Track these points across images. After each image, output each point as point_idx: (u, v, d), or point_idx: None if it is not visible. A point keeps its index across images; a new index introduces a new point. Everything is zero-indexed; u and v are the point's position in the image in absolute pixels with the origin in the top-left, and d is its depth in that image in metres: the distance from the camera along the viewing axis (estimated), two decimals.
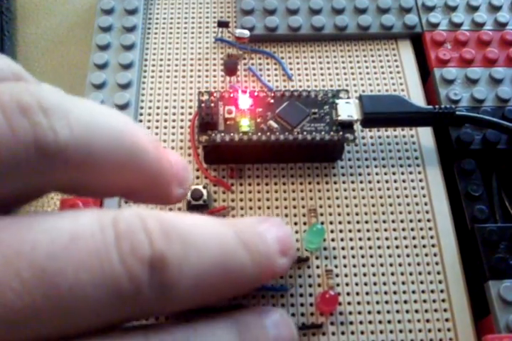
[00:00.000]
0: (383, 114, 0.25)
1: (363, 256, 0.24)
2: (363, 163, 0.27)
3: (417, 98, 0.29)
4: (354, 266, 0.24)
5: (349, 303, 0.23)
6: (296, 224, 0.25)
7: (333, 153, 0.26)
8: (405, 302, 0.23)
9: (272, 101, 0.26)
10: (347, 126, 0.25)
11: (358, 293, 0.23)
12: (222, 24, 0.30)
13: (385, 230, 0.25)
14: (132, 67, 0.28)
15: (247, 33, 0.28)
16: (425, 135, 0.27)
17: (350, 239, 0.24)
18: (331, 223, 0.25)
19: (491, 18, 0.31)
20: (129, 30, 0.29)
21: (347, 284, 0.23)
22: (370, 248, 0.24)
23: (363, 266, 0.24)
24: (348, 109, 0.25)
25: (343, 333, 0.22)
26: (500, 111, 0.27)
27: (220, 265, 0.15)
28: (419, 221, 0.25)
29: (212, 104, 0.25)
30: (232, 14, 0.32)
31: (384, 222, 0.25)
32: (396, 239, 0.25)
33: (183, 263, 0.14)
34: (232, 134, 0.25)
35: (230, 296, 0.19)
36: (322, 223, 0.25)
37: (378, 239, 0.25)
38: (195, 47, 0.30)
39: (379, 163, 0.27)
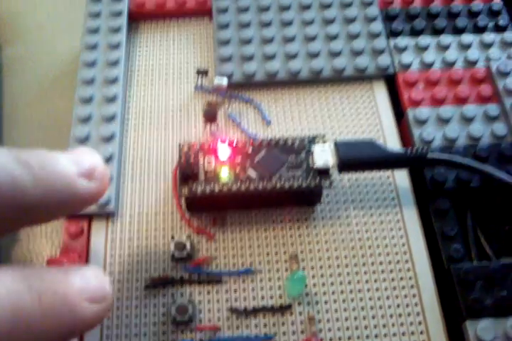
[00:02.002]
0: (358, 159, 0.26)
1: (344, 301, 0.25)
2: (342, 205, 0.28)
3: (392, 139, 0.30)
4: (336, 310, 0.25)
5: None
6: (278, 271, 0.26)
7: (311, 198, 0.27)
8: None
9: (251, 150, 0.27)
10: (323, 172, 0.26)
11: (340, 338, 0.24)
12: (201, 72, 0.31)
13: (365, 273, 0.26)
14: (115, 120, 0.29)
15: (225, 81, 0.29)
16: (401, 175, 0.28)
17: (332, 284, 0.25)
18: (312, 268, 0.26)
19: (461, 56, 0.32)
20: (111, 82, 0.30)
21: (329, 329, 0.24)
22: (351, 292, 0.25)
23: (345, 310, 0.25)
24: (324, 156, 0.26)
25: None
26: (472, 150, 0.28)
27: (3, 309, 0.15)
28: (398, 262, 0.26)
29: (193, 156, 0.26)
30: (212, 62, 0.33)
31: (363, 264, 0.26)
32: (376, 281, 0.25)
33: None
34: (212, 185, 0.25)
35: None
36: (304, 268, 0.26)
37: (358, 282, 0.25)
38: (176, 96, 0.31)
39: (357, 205, 0.28)
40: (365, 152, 0.26)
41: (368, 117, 0.30)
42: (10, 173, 0.16)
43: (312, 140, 0.27)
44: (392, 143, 0.29)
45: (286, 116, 0.30)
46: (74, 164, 0.18)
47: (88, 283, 0.17)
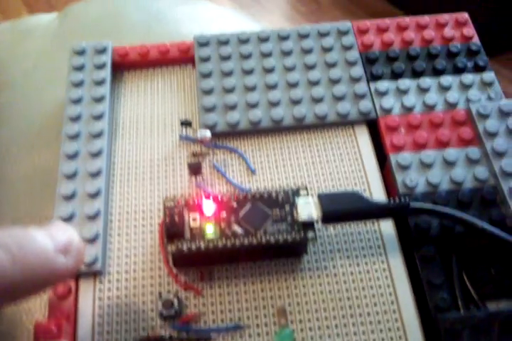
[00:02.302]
0: (341, 211, 0.26)
1: None
2: (328, 255, 0.28)
3: (376, 184, 0.30)
4: None
5: None
6: (266, 325, 0.26)
7: (297, 250, 0.27)
8: None
9: (235, 204, 0.27)
10: (308, 225, 0.26)
11: None
12: (186, 123, 0.31)
13: (353, 325, 0.26)
14: (100, 175, 0.29)
15: (208, 134, 0.30)
16: (386, 223, 0.29)
17: (320, 337, 0.25)
18: (300, 321, 0.26)
19: (441, 98, 0.32)
20: (95, 137, 0.31)
21: None
22: None
23: None
24: (308, 209, 0.26)
25: None
26: (454, 195, 0.29)
27: None
28: (385, 312, 0.26)
29: (178, 213, 0.26)
30: (196, 109, 0.33)
31: (351, 316, 0.26)
32: (364, 333, 0.25)
33: None
34: (198, 242, 0.26)
35: (21, 294, 0.19)
36: (292, 322, 0.26)
37: (347, 334, 0.25)
38: (161, 147, 0.31)
39: (343, 254, 0.28)
40: (348, 204, 0.26)
41: (351, 163, 0.31)
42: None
43: (296, 192, 0.27)
44: (376, 188, 0.30)
45: (270, 164, 0.31)
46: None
47: (56, 237, 0.19)
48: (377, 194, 0.30)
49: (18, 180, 0.33)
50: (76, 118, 0.31)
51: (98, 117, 0.31)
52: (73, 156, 0.30)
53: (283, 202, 0.27)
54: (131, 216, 0.29)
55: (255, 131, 0.32)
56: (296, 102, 0.32)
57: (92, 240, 0.27)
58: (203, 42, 0.35)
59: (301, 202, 0.27)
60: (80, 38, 0.42)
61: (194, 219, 0.26)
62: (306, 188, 0.27)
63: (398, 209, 0.26)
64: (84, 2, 0.47)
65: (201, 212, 0.27)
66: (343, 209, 0.26)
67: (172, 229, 0.26)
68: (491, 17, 0.98)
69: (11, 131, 0.35)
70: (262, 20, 1.27)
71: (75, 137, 0.31)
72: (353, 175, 0.30)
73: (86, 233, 0.27)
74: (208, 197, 0.27)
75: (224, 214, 0.27)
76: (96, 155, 0.30)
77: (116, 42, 0.40)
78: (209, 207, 0.27)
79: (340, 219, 0.27)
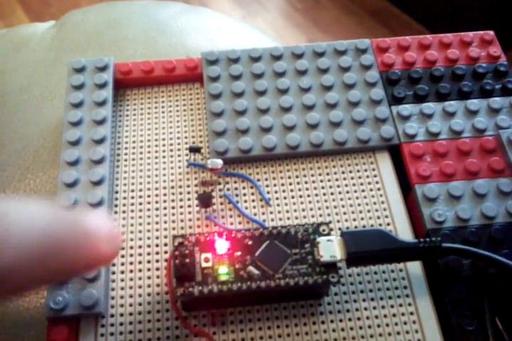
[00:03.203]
0: (368, 252, 0.24)
1: None
2: (350, 296, 0.26)
3: (401, 218, 0.28)
4: None
5: None
6: None
7: (318, 291, 0.25)
8: None
9: (251, 242, 0.25)
10: (331, 266, 0.24)
11: None
12: (194, 150, 0.29)
13: None
14: (101, 205, 0.27)
15: (220, 164, 0.27)
16: (413, 262, 0.26)
17: None
18: None
19: (469, 124, 0.30)
20: (96, 163, 0.28)
21: None
22: None
23: None
24: (330, 248, 0.24)
25: None
26: (487, 231, 0.26)
27: (43, 238, 0.17)
28: None
29: (188, 252, 0.24)
30: (204, 131, 0.31)
31: None
32: None
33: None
34: (210, 285, 0.23)
35: (63, 272, 0.19)
36: None
37: None
38: (168, 174, 0.29)
39: (367, 295, 0.26)
40: (376, 244, 0.24)
41: (374, 193, 0.29)
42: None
43: (316, 229, 0.25)
44: (401, 222, 0.28)
45: (286, 194, 0.29)
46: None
47: (103, 224, 0.20)
48: (402, 228, 0.27)
49: None
50: (75, 143, 0.29)
51: (99, 141, 0.29)
52: (72, 185, 0.28)
53: (303, 240, 0.25)
54: (136, 251, 0.27)
55: (269, 157, 0.29)
56: (312, 126, 0.30)
57: (92, 280, 0.25)
58: (212, 60, 0.32)
59: (322, 240, 0.24)
60: (78, 50, 0.40)
61: (206, 260, 0.24)
62: (328, 224, 0.25)
63: (429, 250, 0.24)
64: (84, 10, 0.45)
65: (214, 251, 0.24)
66: (370, 250, 0.24)
67: (182, 271, 0.23)
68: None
69: (5, 152, 0.33)
70: (259, 17, 1.25)
71: (74, 163, 0.28)
72: (375, 207, 0.28)
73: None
74: (220, 234, 0.25)
75: (238, 253, 0.24)
76: (97, 183, 0.28)
77: (118, 55, 0.38)
78: (222, 245, 0.24)
79: (367, 261, 0.24)
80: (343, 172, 0.29)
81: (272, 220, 0.28)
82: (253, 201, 0.28)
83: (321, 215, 0.28)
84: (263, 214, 0.28)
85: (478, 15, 1.04)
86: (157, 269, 0.26)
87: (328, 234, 0.25)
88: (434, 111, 0.30)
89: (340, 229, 0.27)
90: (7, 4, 1.30)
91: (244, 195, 0.29)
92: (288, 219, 0.28)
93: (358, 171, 0.29)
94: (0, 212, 0.16)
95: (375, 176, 0.29)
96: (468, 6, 1.05)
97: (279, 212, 0.28)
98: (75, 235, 0.18)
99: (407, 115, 0.30)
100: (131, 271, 0.26)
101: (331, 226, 0.27)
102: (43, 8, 1.29)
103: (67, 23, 0.44)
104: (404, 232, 0.27)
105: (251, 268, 0.24)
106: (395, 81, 0.32)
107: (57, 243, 0.18)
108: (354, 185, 0.29)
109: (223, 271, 0.24)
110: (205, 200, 0.27)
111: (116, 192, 0.28)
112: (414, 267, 0.26)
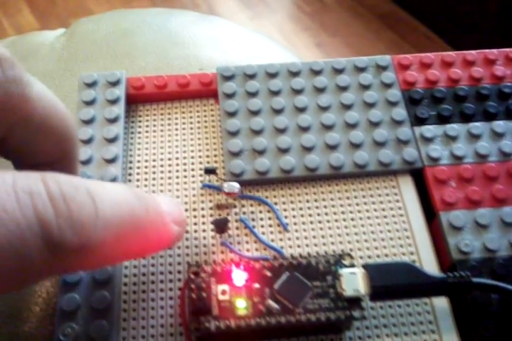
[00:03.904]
0: (393, 286, 0.23)
1: None
2: (373, 331, 0.24)
3: (425, 247, 0.27)
4: None
5: None
6: None
7: (339, 326, 0.24)
8: None
9: (269, 274, 0.23)
10: (354, 301, 0.23)
11: None
12: (209, 171, 0.28)
13: None
14: None
15: (237, 186, 0.26)
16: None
17: None
18: None
19: (495, 147, 0.29)
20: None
21: None
22: None
23: None
24: (353, 282, 0.23)
25: None
26: None
27: (124, 219, 0.18)
28: None
29: (204, 284, 0.23)
30: (219, 154, 0.29)
31: None
32: None
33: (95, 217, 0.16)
34: (227, 320, 0.22)
35: (140, 251, 0.21)
36: None
37: None
38: (181, 196, 0.28)
39: (390, 330, 0.24)
40: (401, 278, 0.23)
41: (396, 220, 0.27)
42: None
43: (338, 260, 0.24)
44: (425, 252, 0.26)
45: (304, 219, 0.27)
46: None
47: (172, 208, 0.21)
48: (427, 258, 0.26)
49: None
50: (86, 162, 0.28)
51: (111, 161, 0.28)
52: None
53: (324, 272, 0.24)
54: (148, 278, 0.26)
55: (287, 179, 0.28)
56: (332, 147, 0.29)
57: (103, 310, 0.24)
58: (228, 76, 0.31)
59: (345, 273, 0.23)
60: (88, 61, 0.39)
61: (223, 292, 0.23)
62: (350, 255, 0.24)
63: (458, 286, 0.23)
64: (94, 18, 0.43)
65: (231, 283, 0.23)
66: (396, 284, 0.23)
67: (198, 305, 0.22)
68: None
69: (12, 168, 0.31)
70: (266, 19, 1.24)
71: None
72: (397, 235, 0.27)
73: (95, 301, 0.24)
74: (238, 264, 0.24)
75: (257, 285, 0.23)
76: None
77: (129, 66, 0.37)
78: (240, 276, 0.23)
79: (391, 296, 0.23)
80: (363, 197, 0.28)
81: (290, 247, 0.27)
82: (270, 226, 0.27)
83: (341, 242, 0.27)
84: (280, 240, 0.27)
85: (485, 20, 1.03)
86: (170, 298, 0.25)
87: (351, 266, 0.24)
88: (458, 133, 0.29)
89: (361, 257, 0.26)
90: (13, 3, 1.29)
91: (261, 219, 0.27)
92: (306, 246, 0.27)
93: (380, 195, 0.28)
94: (86, 193, 0.16)
95: (397, 201, 0.28)
96: (476, 10, 1.04)
97: (297, 238, 0.27)
98: (153, 215, 0.19)
99: (431, 137, 0.29)
100: (143, 300, 0.25)
101: (352, 253, 0.26)
102: (48, 6, 1.28)
103: (77, 33, 0.42)
104: (428, 263, 0.26)
105: (270, 303, 0.23)
106: (417, 100, 0.30)
107: (139, 222, 0.19)
108: (375, 210, 0.28)
109: (241, 305, 0.23)
110: (221, 226, 0.26)
111: None
112: (440, 301, 0.25)
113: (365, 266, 0.23)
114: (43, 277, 0.17)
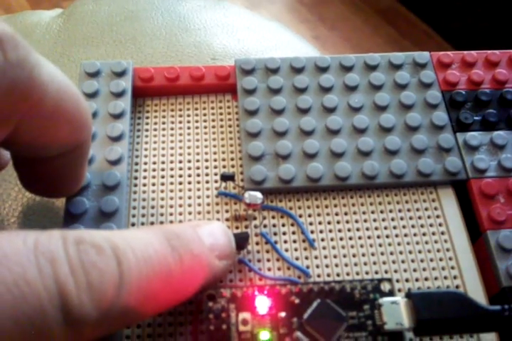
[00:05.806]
0: (442, 320, 0.20)
1: None
2: None
3: (469, 270, 0.23)
4: None
5: None
6: None
7: None
8: None
9: (298, 300, 0.20)
10: (396, 335, 0.20)
11: None
12: (227, 177, 0.24)
13: None
14: None
15: (260, 197, 0.23)
16: None
17: None
18: None
19: None
20: (111, 189, 0.24)
21: None
22: None
23: None
24: (395, 313, 0.20)
25: None
26: None
27: (153, 271, 0.16)
28: None
29: (222, 312, 0.20)
30: (237, 157, 0.26)
31: None
32: None
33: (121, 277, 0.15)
34: None
35: (173, 302, 0.18)
36: None
37: None
38: (194, 205, 0.25)
39: None
40: (451, 309, 0.20)
41: (437, 238, 0.24)
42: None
43: (377, 286, 0.21)
44: (470, 276, 0.23)
45: (333, 235, 0.24)
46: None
47: (217, 241, 0.19)
48: (472, 283, 0.23)
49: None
50: (90, 162, 0.24)
51: (115, 162, 0.24)
52: (80, 215, 0.23)
53: (360, 299, 0.20)
54: None
55: (314, 189, 0.25)
56: (365, 154, 0.26)
57: None
58: (248, 69, 0.28)
59: (386, 302, 0.20)
60: (88, 45, 0.35)
61: (244, 322, 0.20)
62: (390, 281, 0.21)
63: None
64: None
65: (253, 311, 0.20)
66: (445, 317, 0.20)
67: (215, 337, 0.19)
68: None
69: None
70: (264, 9, 1.21)
71: (85, 188, 0.24)
72: (439, 256, 0.24)
73: None
74: (261, 289, 0.20)
75: (283, 314, 0.20)
76: (110, 214, 0.23)
77: (134, 53, 0.34)
78: (263, 303, 0.20)
79: (439, 330, 0.20)
80: (399, 211, 0.25)
81: (317, 267, 0.23)
82: (294, 242, 0.24)
83: (375, 263, 0.24)
84: (306, 258, 0.24)
85: (485, 15, 1.01)
86: (180, 324, 0.22)
87: (391, 294, 0.21)
88: (507, 141, 0.26)
89: (397, 280, 0.23)
90: None
91: (284, 233, 0.24)
92: (336, 266, 0.23)
93: (418, 210, 0.25)
94: (111, 254, 0.15)
95: (437, 217, 0.25)
96: (476, 6, 1.02)
97: (326, 257, 0.24)
98: (188, 264, 0.17)
99: (476, 145, 0.26)
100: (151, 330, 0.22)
101: (388, 276, 0.23)
102: None
103: (76, 13, 0.39)
104: (473, 289, 0.23)
105: (299, 335, 0.20)
106: (460, 103, 0.27)
107: (170, 276, 0.16)
108: (413, 226, 0.24)
109: (265, 337, 0.20)
110: (240, 242, 0.23)
111: (133, 225, 0.24)
112: (487, 333, 0.22)
113: (409, 295, 0.20)
114: None
